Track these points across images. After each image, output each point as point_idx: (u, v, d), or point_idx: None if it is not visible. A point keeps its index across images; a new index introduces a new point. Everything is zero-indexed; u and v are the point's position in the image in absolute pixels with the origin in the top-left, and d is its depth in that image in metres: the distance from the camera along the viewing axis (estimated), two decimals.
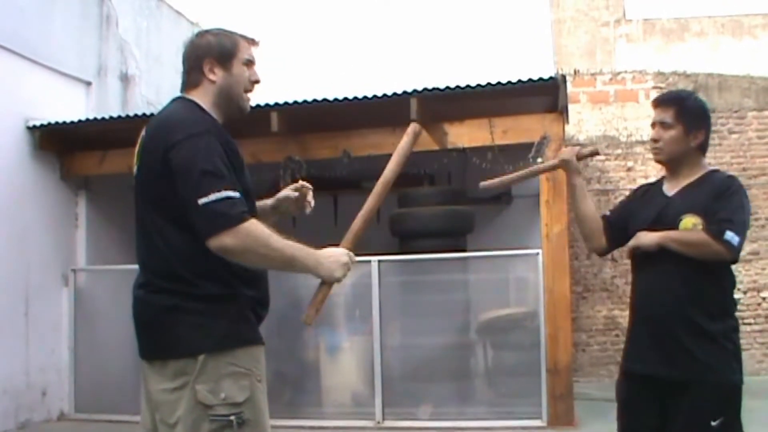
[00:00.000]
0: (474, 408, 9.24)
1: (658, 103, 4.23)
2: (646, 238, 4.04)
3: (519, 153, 9.03)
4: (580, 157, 4.34)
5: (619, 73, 13.14)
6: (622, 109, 12.65)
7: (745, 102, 12.70)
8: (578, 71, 13.18)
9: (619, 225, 4.38)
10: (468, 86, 8.63)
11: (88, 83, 10.76)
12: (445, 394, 9.34)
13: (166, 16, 13.23)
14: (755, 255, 12.08)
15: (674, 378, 3.96)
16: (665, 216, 4.04)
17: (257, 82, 3.60)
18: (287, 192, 3.89)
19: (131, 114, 9.93)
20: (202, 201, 3.10)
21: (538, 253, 8.83)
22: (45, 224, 9.92)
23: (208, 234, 3.13)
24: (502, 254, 9.40)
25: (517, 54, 12.95)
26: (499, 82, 8.55)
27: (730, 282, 4.12)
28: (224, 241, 3.11)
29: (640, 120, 12.49)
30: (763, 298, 12.16)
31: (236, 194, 3.16)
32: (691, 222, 3.94)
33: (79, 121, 9.79)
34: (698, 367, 3.92)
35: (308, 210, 3.87)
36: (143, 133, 3.45)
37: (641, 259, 4.14)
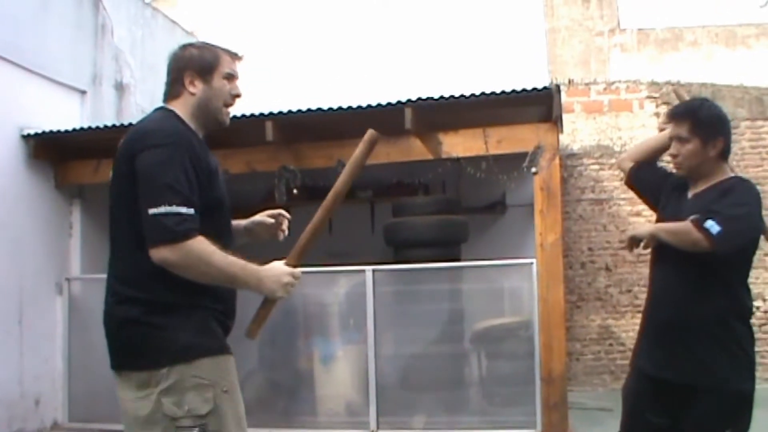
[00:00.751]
0: (468, 417, 9.24)
1: (672, 117, 4.23)
2: (641, 228, 4.16)
3: (513, 162, 9.05)
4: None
5: (613, 83, 13.16)
6: (617, 119, 12.67)
7: (739, 112, 12.72)
8: (572, 81, 13.20)
9: (652, 172, 4.55)
10: (462, 96, 8.64)
11: (83, 92, 10.75)
12: (440, 404, 9.33)
13: (161, 25, 13.24)
14: None
15: (681, 382, 3.96)
16: (679, 216, 4.07)
17: (238, 96, 3.67)
18: (263, 217, 3.99)
19: (126, 123, 9.90)
20: (151, 211, 3.20)
21: (532, 263, 8.82)
22: (39, 233, 9.92)
23: (150, 244, 3.21)
24: (497, 264, 9.39)
25: (512, 63, 12.95)
26: (493, 92, 8.56)
27: (743, 289, 4.09)
28: (164, 254, 3.19)
29: (634, 130, 12.51)
30: (758, 308, 12.15)
31: (189, 210, 3.23)
32: None
33: (74, 129, 9.78)
34: (706, 373, 3.92)
35: (281, 237, 3.95)
36: (121, 140, 3.51)
37: (655, 261, 4.20)
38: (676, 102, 4.57)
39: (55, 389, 10.00)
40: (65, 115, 10.33)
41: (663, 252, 4.07)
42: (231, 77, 3.63)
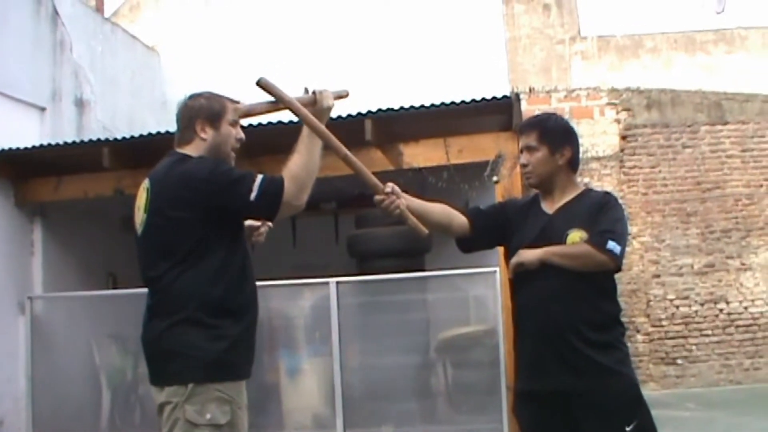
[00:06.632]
0: (435, 426, 9.25)
1: (522, 129, 4.37)
2: (528, 255, 4.05)
3: (475, 172, 9.07)
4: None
5: (573, 90, 13.25)
6: (578, 126, 12.69)
7: (698, 117, 12.86)
8: (533, 89, 13.26)
9: (486, 219, 4.46)
10: (423, 106, 8.67)
11: (42, 109, 10.69)
12: (407, 414, 9.33)
13: (121, 40, 13.21)
14: (711, 267, 12.17)
15: (584, 389, 3.97)
16: (550, 232, 4.10)
17: (241, 139, 4.08)
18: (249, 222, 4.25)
19: (86, 139, 9.86)
20: (252, 196, 3.79)
21: (495, 271, 8.81)
22: (0, 252, 9.83)
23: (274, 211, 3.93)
24: (460, 273, 9.36)
25: (472, 73, 13.00)
26: (453, 102, 8.59)
27: (614, 288, 4.19)
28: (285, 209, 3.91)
29: (595, 136, 12.60)
30: (720, 310, 12.23)
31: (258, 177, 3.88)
32: (578, 236, 4.02)
33: (33, 147, 9.68)
34: (606, 373, 3.96)
35: (260, 240, 4.33)
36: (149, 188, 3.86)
37: (522, 276, 4.12)
38: None
39: (19, 409, 9.88)
40: (25, 132, 10.23)
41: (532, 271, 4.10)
42: (236, 123, 4.02)
